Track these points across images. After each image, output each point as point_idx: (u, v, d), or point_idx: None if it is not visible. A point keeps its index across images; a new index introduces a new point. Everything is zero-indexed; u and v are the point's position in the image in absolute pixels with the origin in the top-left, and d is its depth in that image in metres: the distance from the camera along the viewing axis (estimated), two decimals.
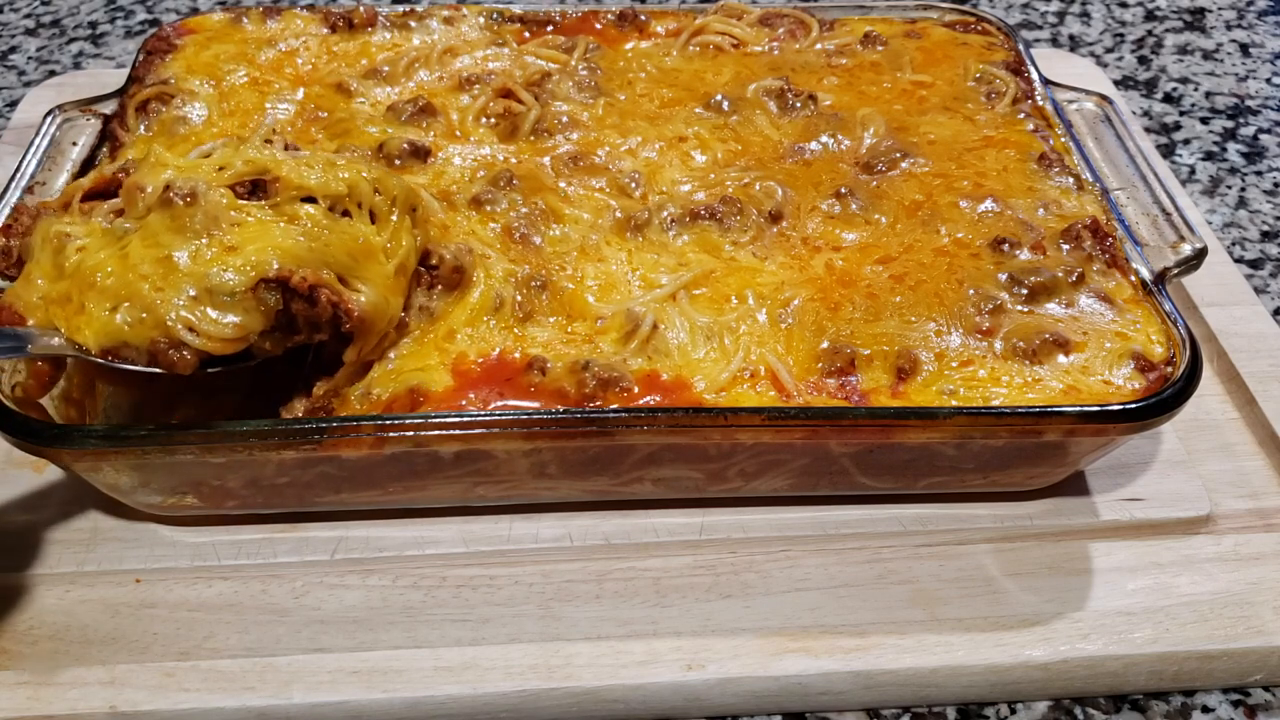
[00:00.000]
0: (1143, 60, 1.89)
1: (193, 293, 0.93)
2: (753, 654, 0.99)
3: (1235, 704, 1.02)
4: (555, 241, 1.15)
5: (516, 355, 1.03)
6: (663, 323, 1.05)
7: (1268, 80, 1.84)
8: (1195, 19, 2.01)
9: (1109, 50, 1.92)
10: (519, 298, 1.07)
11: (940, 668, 0.99)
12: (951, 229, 1.16)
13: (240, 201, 0.98)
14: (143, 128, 1.25)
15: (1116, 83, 1.81)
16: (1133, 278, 1.10)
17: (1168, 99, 1.80)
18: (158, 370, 0.93)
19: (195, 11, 1.78)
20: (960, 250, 1.14)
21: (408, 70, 1.38)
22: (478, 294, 1.07)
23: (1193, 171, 1.64)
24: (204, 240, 0.94)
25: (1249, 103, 1.79)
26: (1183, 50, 1.92)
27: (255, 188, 1.00)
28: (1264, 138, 1.71)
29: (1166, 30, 1.98)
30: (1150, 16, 2.02)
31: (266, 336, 0.96)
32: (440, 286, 1.07)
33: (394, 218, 1.04)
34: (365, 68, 1.38)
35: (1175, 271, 1.11)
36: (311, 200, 1.00)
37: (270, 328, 0.96)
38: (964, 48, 1.44)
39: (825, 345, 1.04)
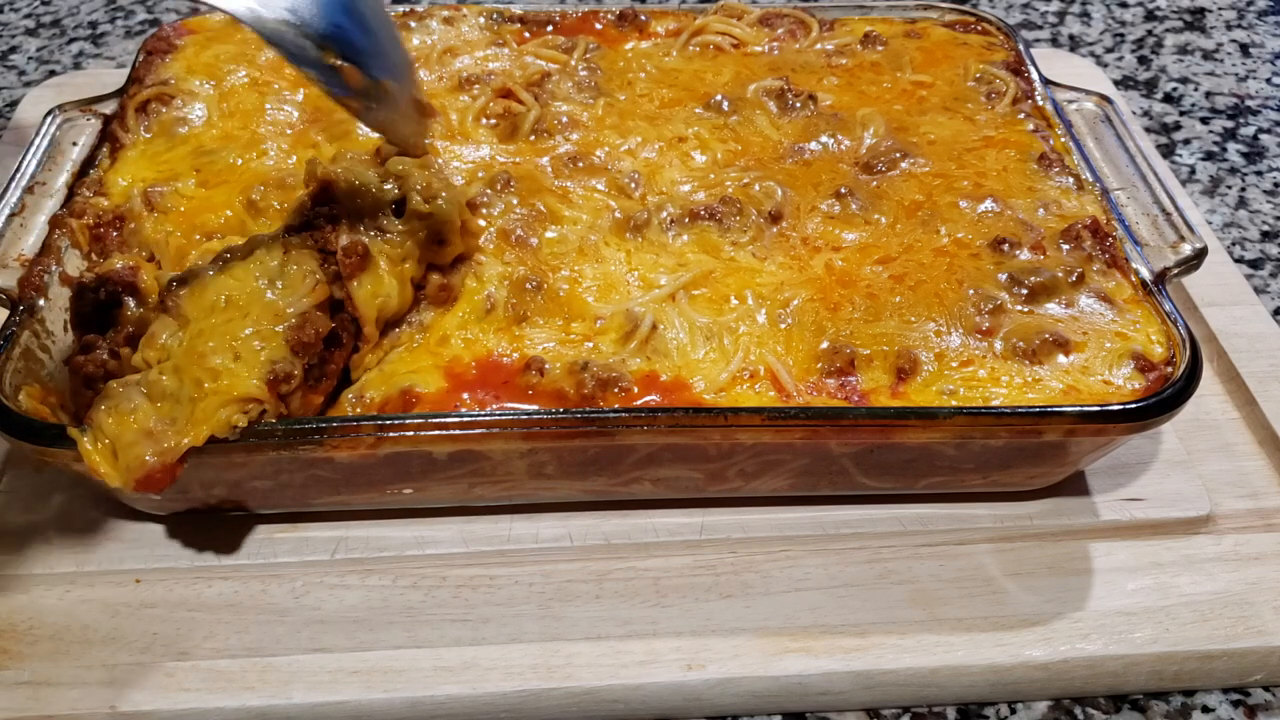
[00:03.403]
0: (1143, 60, 1.89)
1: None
2: (753, 654, 0.99)
3: (1235, 704, 1.02)
4: (552, 243, 1.14)
5: (514, 356, 1.03)
6: (662, 323, 1.05)
7: (1268, 80, 1.84)
8: (1195, 19, 2.01)
9: (1109, 50, 1.92)
10: (512, 301, 1.07)
11: (940, 668, 0.99)
12: (951, 229, 1.16)
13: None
14: (143, 128, 1.25)
15: (1116, 83, 1.80)
16: (1133, 278, 1.10)
17: (1168, 99, 1.79)
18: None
19: (195, 12, 1.78)
20: (960, 250, 1.14)
21: None
22: (468, 301, 1.08)
23: (1193, 171, 1.64)
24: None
25: (1249, 103, 1.78)
26: (1183, 50, 1.92)
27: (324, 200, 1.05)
28: (1264, 138, 1.71)
29: (1166, 30, 1.98)
30: (1150, 16, 2.02)
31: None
32: (427, 302, 1.07)
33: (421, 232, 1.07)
34: None
35: (1175, 271, 1.11)
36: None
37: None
38: (964, 48, 1.44)
39: (825, 345, 1.04)
